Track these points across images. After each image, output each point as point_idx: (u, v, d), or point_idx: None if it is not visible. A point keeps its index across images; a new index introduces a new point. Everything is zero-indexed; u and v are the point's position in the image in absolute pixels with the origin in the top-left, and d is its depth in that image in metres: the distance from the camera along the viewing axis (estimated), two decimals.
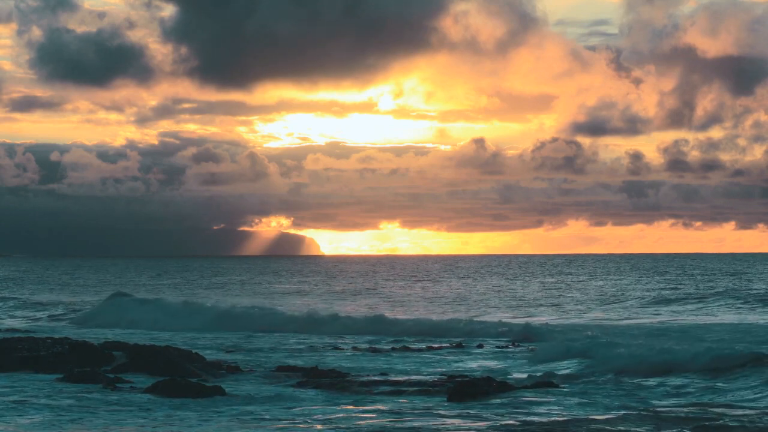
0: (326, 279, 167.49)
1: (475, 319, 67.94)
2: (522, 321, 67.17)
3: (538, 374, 38.08)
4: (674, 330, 58.58)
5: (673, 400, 31.72)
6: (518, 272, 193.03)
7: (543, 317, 73.36)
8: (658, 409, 29.42)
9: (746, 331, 56.70)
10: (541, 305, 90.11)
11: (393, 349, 50.70)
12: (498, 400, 31.32)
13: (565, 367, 40.01)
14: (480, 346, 51.84)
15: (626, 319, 72.54)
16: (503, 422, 27.29)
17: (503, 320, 66.64)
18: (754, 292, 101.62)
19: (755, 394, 32.42)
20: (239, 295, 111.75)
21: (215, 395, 31.74)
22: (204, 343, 53.74)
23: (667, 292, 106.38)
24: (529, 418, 27.97)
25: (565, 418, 27.91)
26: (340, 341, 55.19)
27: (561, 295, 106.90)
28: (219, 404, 30.35)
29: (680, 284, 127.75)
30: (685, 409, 29.30)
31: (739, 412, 28.77)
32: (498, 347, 51.35)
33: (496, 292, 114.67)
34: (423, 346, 52.46)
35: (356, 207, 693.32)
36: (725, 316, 73.76)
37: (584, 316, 75.51)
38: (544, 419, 27.80)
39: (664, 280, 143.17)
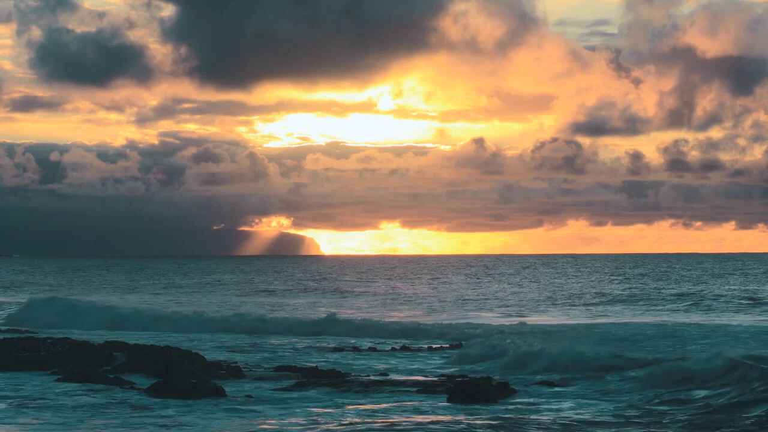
0: (306, 279, 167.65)
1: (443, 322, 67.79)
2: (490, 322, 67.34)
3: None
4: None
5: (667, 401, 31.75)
6: (501, 273, 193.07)
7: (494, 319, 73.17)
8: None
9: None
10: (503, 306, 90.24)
11: (393, 349, 50.72)
12: (498, 400, 31.34)
13: (486, 368, 40.33)
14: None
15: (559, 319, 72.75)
16: (504, 422, 27.29)
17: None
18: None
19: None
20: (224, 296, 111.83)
21: (215, 395, 31.72)
22: (204, 343, 53.76)
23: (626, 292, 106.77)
24: (529, 417, 27.97)
25: (566, 418, 27.93)
26: (343, 342, 55.14)
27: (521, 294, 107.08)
28: (219, 405, 30.34)
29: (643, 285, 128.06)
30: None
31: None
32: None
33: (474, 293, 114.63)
34: (424, 346, 52.56)
35: (356, 207, 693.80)
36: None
37: (530, 317, 75.43)
38: (545, 419, 27.81)
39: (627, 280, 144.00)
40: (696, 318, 72.20)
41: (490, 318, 73.85)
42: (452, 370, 41.48)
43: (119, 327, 64.54)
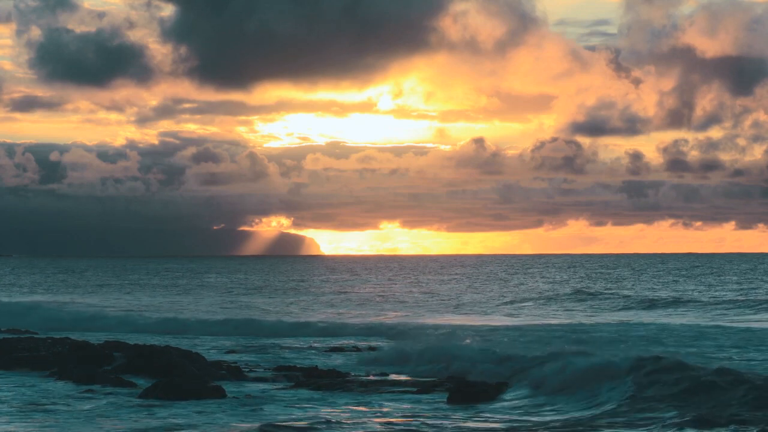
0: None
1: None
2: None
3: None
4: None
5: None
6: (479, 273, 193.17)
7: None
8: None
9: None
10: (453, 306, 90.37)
11: (311, 347, 50.93)
12: (498, 400, 31.36)
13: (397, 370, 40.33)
14: None
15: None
16: (505, 421, 27.33)
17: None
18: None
19: None
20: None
21: (215, 396, 31.71)
22: (204, 343, 53.78)
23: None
24: (529, 418, 28.01)
25: (565, 417, 27.95)
26: (343, 342, 55.11)
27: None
28: (219, 405, 30.33)
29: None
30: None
31: None
32: None
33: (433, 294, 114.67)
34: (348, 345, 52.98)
35: (356, 207, 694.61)
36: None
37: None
38: (545, 418, 27.84)
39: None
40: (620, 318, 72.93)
41: (436, 318, 74.08)
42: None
43: (52, 328, 64.26)
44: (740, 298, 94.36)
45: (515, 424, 27.01)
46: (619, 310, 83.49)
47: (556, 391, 32.04)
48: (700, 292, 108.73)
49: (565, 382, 32.40)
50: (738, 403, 27.26)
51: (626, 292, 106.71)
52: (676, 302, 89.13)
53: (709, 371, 30.30)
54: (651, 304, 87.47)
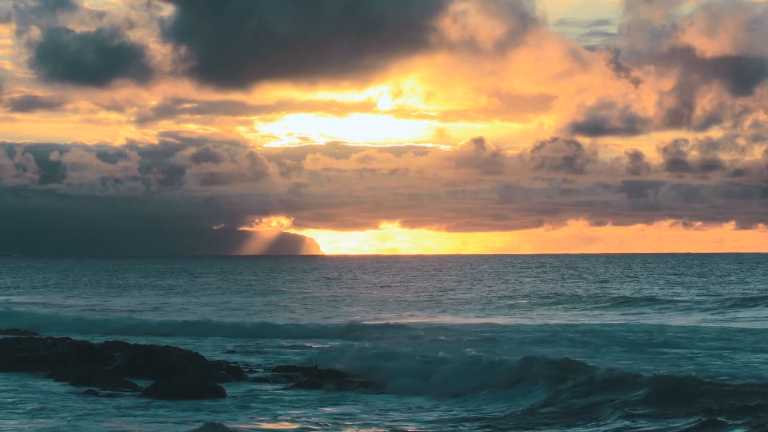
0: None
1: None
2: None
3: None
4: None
5: None
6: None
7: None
8: None
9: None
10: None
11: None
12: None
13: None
14: None
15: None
16: (506, 416, 27.36)
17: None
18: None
19: None
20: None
21: (215, 396, 31.75)
22: (204, 344, 53.83)
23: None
24: (529, 409, 28.04)
25: (564, 411, 27.97)
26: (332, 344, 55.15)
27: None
28: (219, 405, 30.36)
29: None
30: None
31: None
32: None
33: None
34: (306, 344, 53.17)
35: (356, 207, 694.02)
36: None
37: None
38: (545, 411, 27.87)
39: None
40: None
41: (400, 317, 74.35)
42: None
43: (52, 328, 64.00)
44: (734, 296, 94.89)
45: (514, 416, 27.08)
46: (588, 309, 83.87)
47: (447, 392, 32.38)
48: (687, 289, 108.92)
49: (456, 383, 32.80)
50: (624, 403, 27.69)
51: (610, 293, 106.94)
52: (655, 302, 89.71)
53: (599, 372, 30.87)
54: (620, 303, 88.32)
